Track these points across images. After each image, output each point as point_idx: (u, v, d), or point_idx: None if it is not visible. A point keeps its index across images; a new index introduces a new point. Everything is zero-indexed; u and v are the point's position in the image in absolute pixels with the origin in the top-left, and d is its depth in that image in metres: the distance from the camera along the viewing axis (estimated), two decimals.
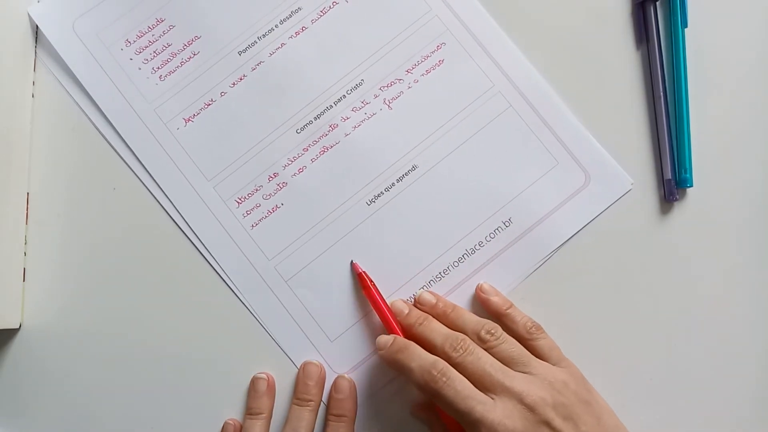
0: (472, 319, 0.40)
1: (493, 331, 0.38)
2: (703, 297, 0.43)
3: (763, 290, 0.43)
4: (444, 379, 0.36)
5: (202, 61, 0.44)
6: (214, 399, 0.42)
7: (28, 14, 0.44)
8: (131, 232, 0.43)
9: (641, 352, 0.42)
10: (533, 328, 0.40)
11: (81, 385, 0.42)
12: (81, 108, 0.44)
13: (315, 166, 0.43)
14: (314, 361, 0.42)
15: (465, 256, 0.42)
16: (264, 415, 0.41)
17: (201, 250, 0.43)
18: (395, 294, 0.42)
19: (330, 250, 0.43)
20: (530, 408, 0.35)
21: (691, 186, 0.42)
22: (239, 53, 0.44)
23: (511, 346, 0.38)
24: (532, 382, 0.36)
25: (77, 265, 0.43)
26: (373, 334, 0.42)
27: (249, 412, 0.41)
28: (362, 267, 0.42)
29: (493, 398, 0.35)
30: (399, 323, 0.40)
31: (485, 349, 0.38)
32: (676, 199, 0.43)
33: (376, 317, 0.42)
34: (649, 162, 0.43)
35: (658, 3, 0.44)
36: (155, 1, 0.44)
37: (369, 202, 0.43)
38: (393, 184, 0.43)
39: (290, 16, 0.44)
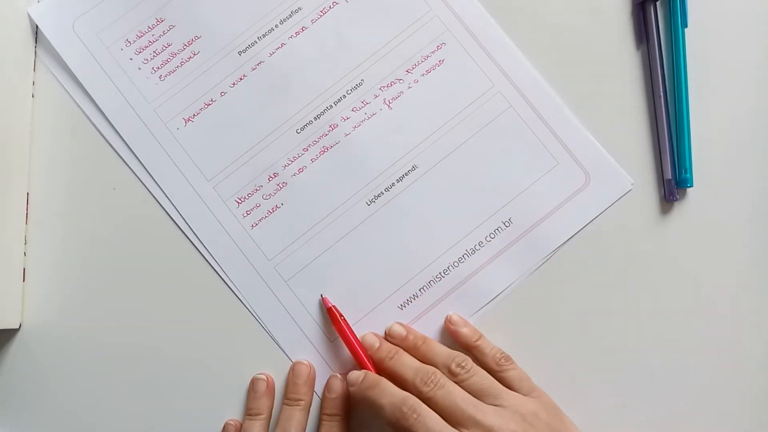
0: (443, 352, 0.40)
1: (463, 364, 0.38)
2: (704, 297, 0.43)
3: (764, 290, 0.43)
4: (415, 415, 0.35)
5: (202, 61, 0.44)
6: (214, 399, 0.42)
7: (28, 14, 0.44)
8: (131, 233, 0.43)
9: (641, 352, 0.42)
10: (502, 360, 0.39)
11: (81, 385, 0.42)
12: (81, 108, 0.44)
13: (315, 166, 0.43)
14: (304, 361, 0.42)
15: (465, 255, 0.42)
16: (263, 415, 0.41)
17: (201, 250, 0.43)
18: (395, 295, 0.42)
19: (330, 250, 0.43)
20: None
21: (691, 186, 0.42)
22: (239, 53, 0.44)
23: (481, 378, 0.38)
24: (503, 416, 0.36)
25: (77, 265, 0.43)
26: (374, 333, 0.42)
27: (248, 412, 0.41)
28: (332, 301, 0.42)
29: None
30: (370, 357, 0.40)
31: (456, 383, 0.37)
32: (676, 199, 0.43)
33: (377, 316, 0.42)
34: (649, 162, 0.43)
35: (658, 3, 0.44)
36: (155, 1, 0.44)
37: (369, 202, 0.43)
38: (393, 184, 0.43)
39: (290, 16, 0.44)
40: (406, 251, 0.43)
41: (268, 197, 0.43)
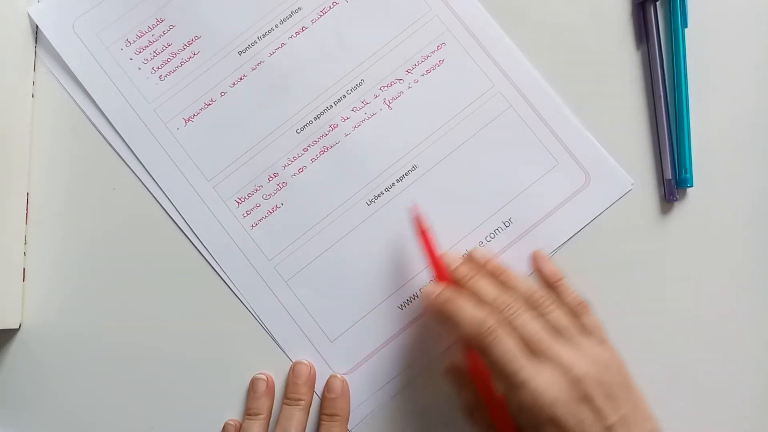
0: (525, 284, 0.38)
1: (543, 299, 0.37)
2: (704, 297, 0.43)
3: (764, 290, 0.43)
4: (493, 335, 0.35)
5: (202, 61, 0.44)
6: (214, 399, 0.42)
7: (28, 14, 0.44)
8: (131, 233, 0.43)
9: (641, 352, 0.42)
10: (580, 306, 0.38)
11: (81, 385, 0.42)
12: (81, 108, 0.44)
13: (315, 166, 0.43)
14: (304, 361, 0.42)
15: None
16: (263, 415, 0.41)
17: (201, 251, 0.43)
18: (396, 294, 0.42)
19: (330, 250, 0.43)
20: (575, 380, 0.34)
21: (691, 186, 0.42)
22: (239, 53, 0.44)
23: (560, 317, 0.37)
24: (578, 355, 0.35)
25: (77, 265, 0.43)
26: (374, 333, 0.42)
27: (248, 412, 0.41)
28: (419, 210, 0.41)
29: (539, 364, 0.34)
30: (449, 275, 0.39)
31: (535, 315, 0.37)
32: (676, 199, 0.43)
33: (377, 316, 0.42)
34: (649, 162, 0.43)
35: (658, 3, 0.44)
36: (155, 1, 0.44)
37: (369, 202, 0.43)
38: (393, 184, 0.43)
39: (290, 16, 0.44)
40: (406, 252, 0.43)
41: (268, 197, 0.43)
